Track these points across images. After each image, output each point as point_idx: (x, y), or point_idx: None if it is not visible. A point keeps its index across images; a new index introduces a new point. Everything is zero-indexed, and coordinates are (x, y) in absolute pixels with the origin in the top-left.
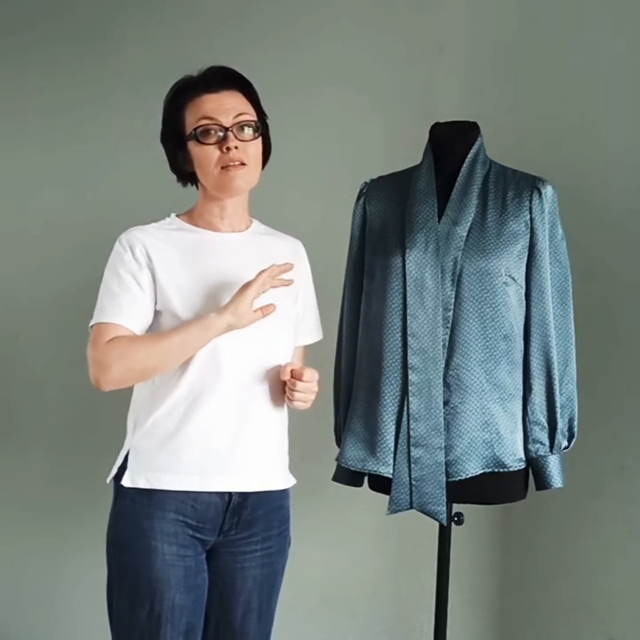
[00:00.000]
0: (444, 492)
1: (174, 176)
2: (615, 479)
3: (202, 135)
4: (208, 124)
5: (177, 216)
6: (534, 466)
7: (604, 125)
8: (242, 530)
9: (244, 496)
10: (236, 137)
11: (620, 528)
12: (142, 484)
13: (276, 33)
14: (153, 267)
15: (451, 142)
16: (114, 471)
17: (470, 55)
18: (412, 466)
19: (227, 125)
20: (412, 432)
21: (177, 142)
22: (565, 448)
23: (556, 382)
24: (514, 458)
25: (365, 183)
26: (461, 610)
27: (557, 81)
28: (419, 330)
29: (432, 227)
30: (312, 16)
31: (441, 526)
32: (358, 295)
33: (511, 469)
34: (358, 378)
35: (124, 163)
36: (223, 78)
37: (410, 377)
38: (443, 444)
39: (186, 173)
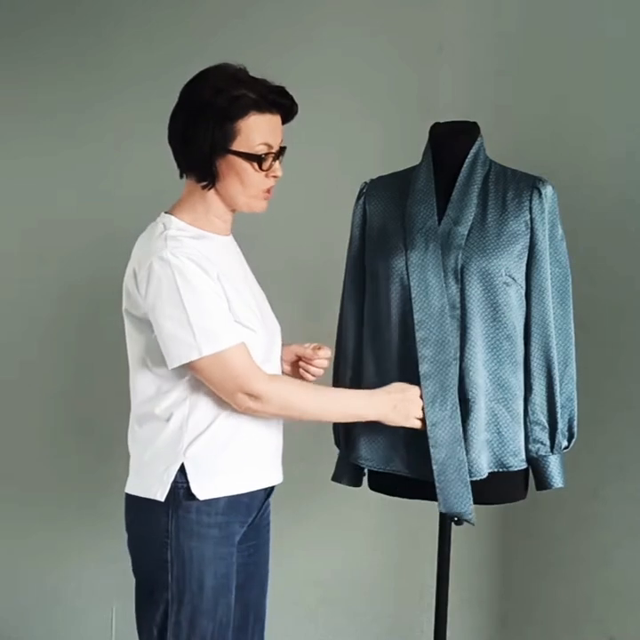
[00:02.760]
0: (470, 490)
1: (175, 174)
2: (615, 479)
3: (264, 162)
4: (268, 152)
5: (170, 215)
6: (535, 466)
7: (603, 125)
8: (259, 517)
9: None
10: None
11: (620, 528)
12: (216, 494)
13: (275, 33)
14: (220, 279)
15: (451, 142)
16: (166, 489)
17: (470, 55)
18: (435, 468)
19: (276, 152)
20: (430, 433)
21: (218, 143)
22: (565, 448)
23: (557, 382)
24: (516, 458)
25: (365, 183)
26: (461, 610)
27: (557, 81)
28: (427, 320)
29: (432, 226)
30: (312, 16)
31: (441, 526)
32: (357, 295)
33: (513, 469)
34: (367, 381)
35: (124, 163)
36: (289, 106)
37: (423, 383)
38: (462, 440)
39: (209, 173)
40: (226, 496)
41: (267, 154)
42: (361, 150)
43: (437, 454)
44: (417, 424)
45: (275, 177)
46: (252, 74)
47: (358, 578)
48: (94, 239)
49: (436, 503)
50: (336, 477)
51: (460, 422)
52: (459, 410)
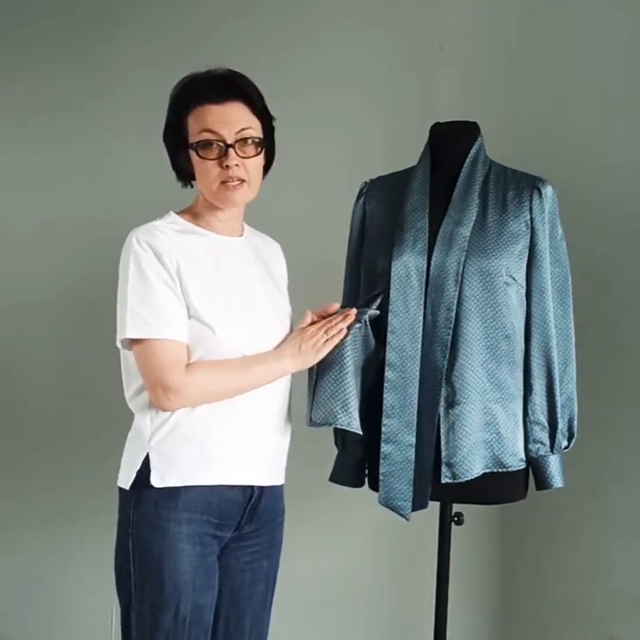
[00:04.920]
0: (411, 488)
1: (173, 174)
2: (615, 479)
3: (202, 149)
4: (209, 139)
5: (176, 213)
6: (535, 466)
7: (603, 125)
8: (253, 523)
9: (262, 490)
10: (237, 154)
11: (620, 528)
12: (173, 483)
13: (275, 33)
14: (181, 273)
15: (451, 142)
16: (132, 477)
17: (470, 55)
18: (382, 461)
19: (229, 142)
20: (383, 428)
21: (180, 143)
22: (565, 448)
23: (557, 382)
24: (515, 458)
25: (365, 183)
26: (461, 610)
27: (557, 81)
28: (399, 327)
29: (422, 227)
30: (312, 16)
31: (441, 526)
32: (357, 294)
33: (512, 469)
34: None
35: (123, 162)
36: (230, 88)
37: (386, 373)
38: (414, 442)
39: (187, 173)
40: (184, 488)
41: (208, 139)
42: (361, 150)
43: (385, 447)
44: (323, 354)
45: (228, 166)
46: (250, 73)
47: (359, 578)
48: (94, 239)
49: (436, 503)
50: (334, 478)
51: (415, 417)
52: (416, 405)
